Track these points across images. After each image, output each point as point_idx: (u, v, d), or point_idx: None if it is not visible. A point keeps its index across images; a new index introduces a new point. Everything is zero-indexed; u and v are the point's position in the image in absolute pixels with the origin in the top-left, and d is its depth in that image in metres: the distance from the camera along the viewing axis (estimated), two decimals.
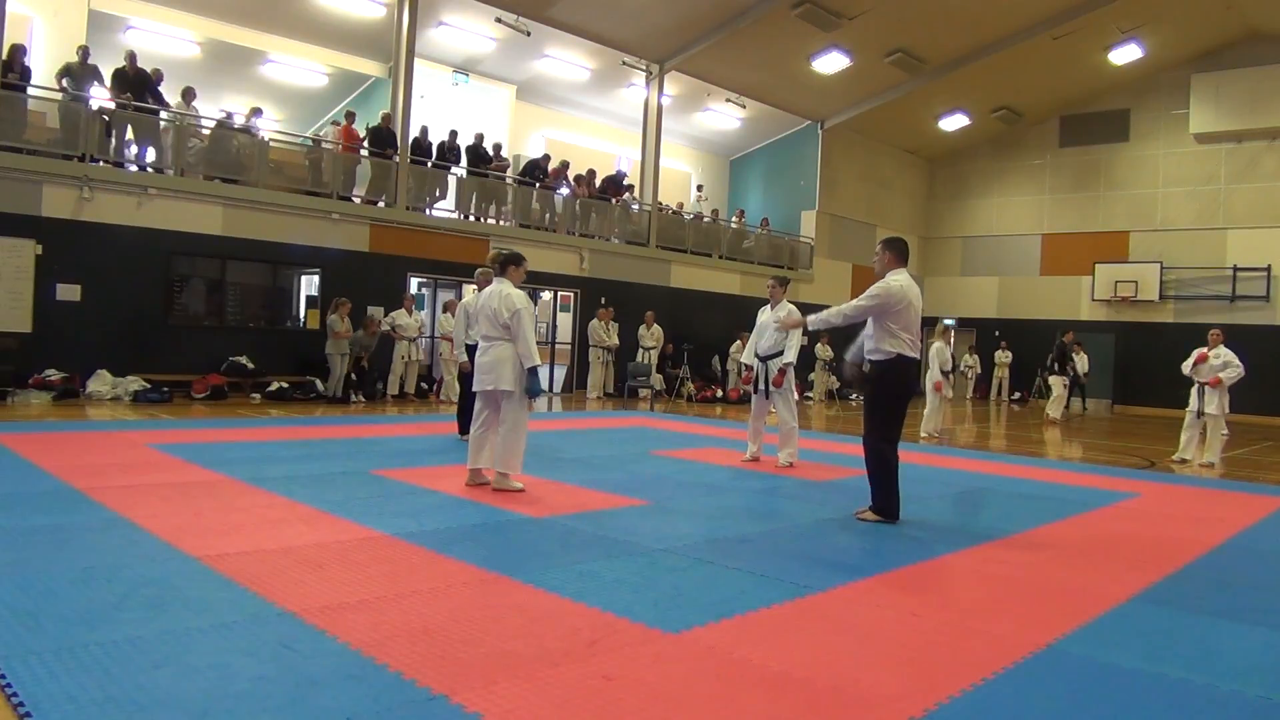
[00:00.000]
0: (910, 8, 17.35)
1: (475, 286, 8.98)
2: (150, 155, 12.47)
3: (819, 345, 20.10)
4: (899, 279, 5.76)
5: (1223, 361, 10.42)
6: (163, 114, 12.78)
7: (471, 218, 16.14)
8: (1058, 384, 17.02)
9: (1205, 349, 10.63)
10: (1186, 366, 10.73)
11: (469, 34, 16.49)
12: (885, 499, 5.75)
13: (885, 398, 5.81)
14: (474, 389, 6.45)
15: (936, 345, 12.59)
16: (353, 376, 13.24)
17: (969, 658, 3.30)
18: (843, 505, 6.40)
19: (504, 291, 6.15)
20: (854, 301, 5.86)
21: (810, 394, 19.89)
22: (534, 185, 16.97)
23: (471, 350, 8.63)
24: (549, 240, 16.95)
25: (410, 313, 14.10)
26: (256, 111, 14.30)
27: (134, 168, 12.36)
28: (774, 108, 21.28)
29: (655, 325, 17.62)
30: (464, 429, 9.11)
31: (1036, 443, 12.82)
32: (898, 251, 5.91)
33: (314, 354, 13.51)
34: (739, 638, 3.38)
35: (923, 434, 12.17)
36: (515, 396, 6.15)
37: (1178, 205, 21.79)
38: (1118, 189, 22.75)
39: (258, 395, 12.58)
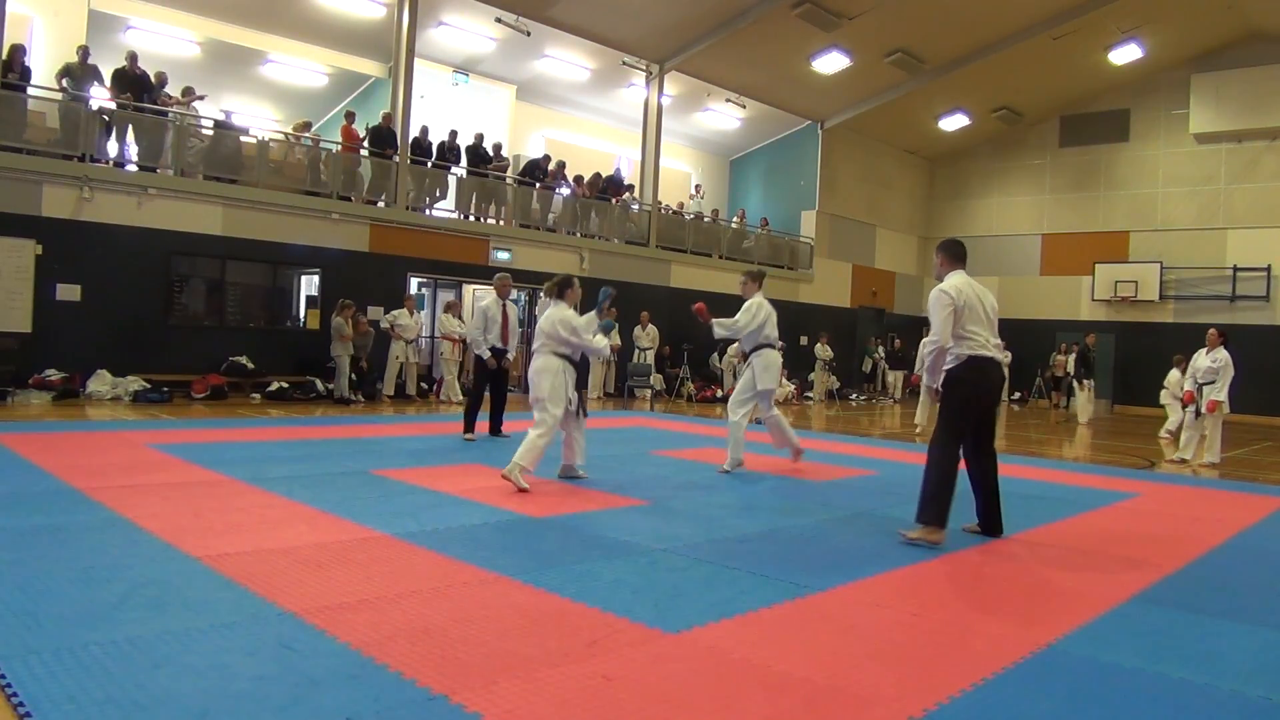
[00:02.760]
0: (910, 8, 17.35)
1: (493, 290, 9.48)
2: (132, 151, 12.40)
3: (819, 345, 20.10)
4: (954, 280, 5.40)
5: (1220, 365, 10.38)
6: (171, 113, 12.78)
7: (471, 218, 16.14)
8: (1080, 388, 17.30)
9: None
10: (1188, 381, 10.80)
11: (469, 34, 16.49)
12: (934, 509, 5.10)
13: (952, 401, 5.28)
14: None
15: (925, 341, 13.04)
16: (353, 377, 13.24)
17: (969, 658, 3.30)
18: (843, 505, 6.41)
19: (562, 315, 6.68)
20: (930, 334, 5.38)
21: (810, 394, 19.89)
22: (534, 185, 16.98)
23: (496, 351, 9.14)
24: (549, 240, 16.95)
25: (411, 313, 14.10)
26: (306, 126, 14.97)
27: (134, 167, 12.36)
28: (774, 108, 21.27)
29: (651, 325, 17.61)
30: (469, 428, 9.18)
31: (1036, 443, 12.82)
32: (950, 253, 5.61)
33: (314, 354, 13.50)
34: (739, 638, 3.38)
35: (917, 427, 12.73)
36: (546, 404, 6.50)
37: (1178, 205, 21.80)
38: (1118, 189, 22.75)
39: (258, 395, 12.58)
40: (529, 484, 6.29)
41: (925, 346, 5.46)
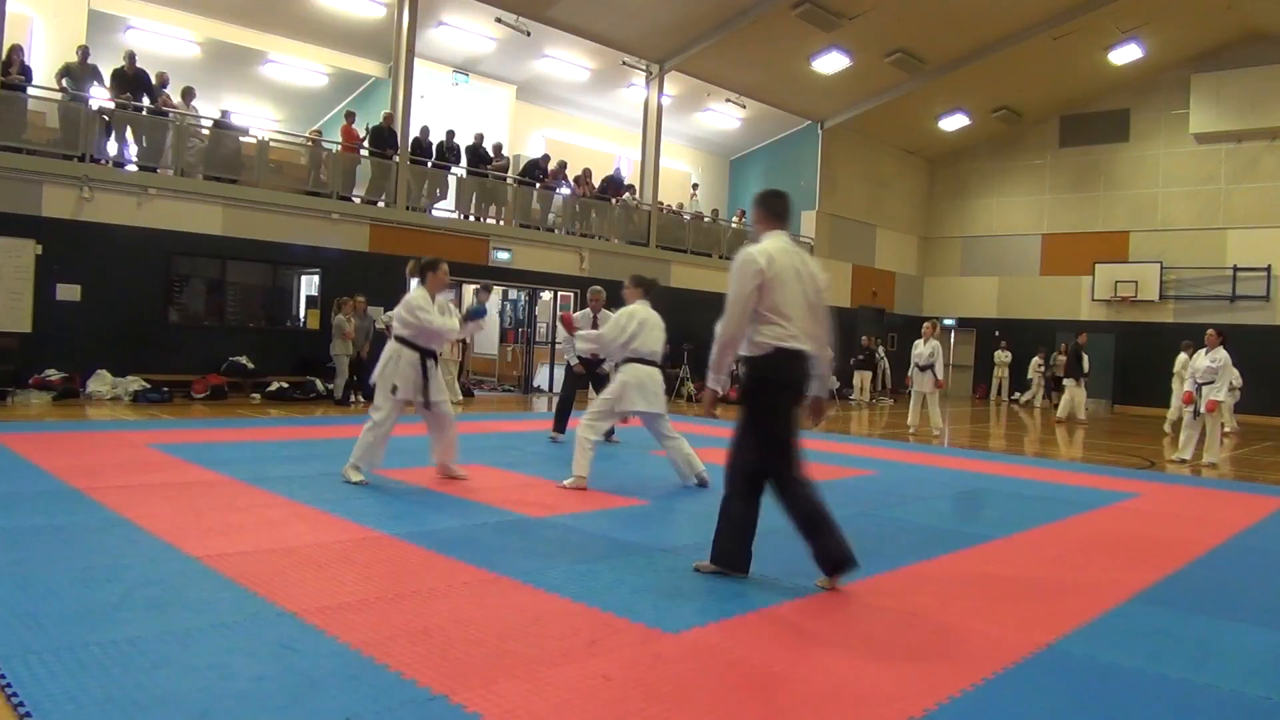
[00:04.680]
0: (910, 8, 17.35)
1: (592, 304, 9.87)
2: (132, 151, 12.40)
3: None
4: (766, 244, 4.05)
5: (1219, 365, 10.36)
6: (171, 113, 12.78)
7: (471, 218, 16.14)
8: (1070, 386, 17.10)
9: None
10: (1188, 382, 10.78)
11: (469, 34, 16.49)
12: (722, 540, 4.13)
13: (760, 405, 4.10)
14: None
15: (918, 342, 13.27)
16: (353, 377, 13.20)
17: (969, 658, 3.30)
18: (841, 505, 6.38)
19: (408, 296, 6.36)
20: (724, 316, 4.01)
21: None
22: (534, 185, 16.98)
23: (584, 361, 9.34)
24: (549, 240, 16.95)
25: None
26: (318, 133, 15.27)
27: (134, 167, 12.36)
28: (774, 108, 21.27)
29: None
30: (560, 428, 9.60)
31: (1036, 442, 12.82)
32: (768, 209, 4.20)
33: (314, 354, 13.49)
34: (739, 638, 3.38)
35: (910, 427, 12.92)
36: (378, 397, 6.29)
37: (1178, 205, 21.80)
38: (1118, 189, 22.75)
39: (258, 395, 12.57)
40: (359, 478, 6.19)
41: (720, 331, 4.02)
